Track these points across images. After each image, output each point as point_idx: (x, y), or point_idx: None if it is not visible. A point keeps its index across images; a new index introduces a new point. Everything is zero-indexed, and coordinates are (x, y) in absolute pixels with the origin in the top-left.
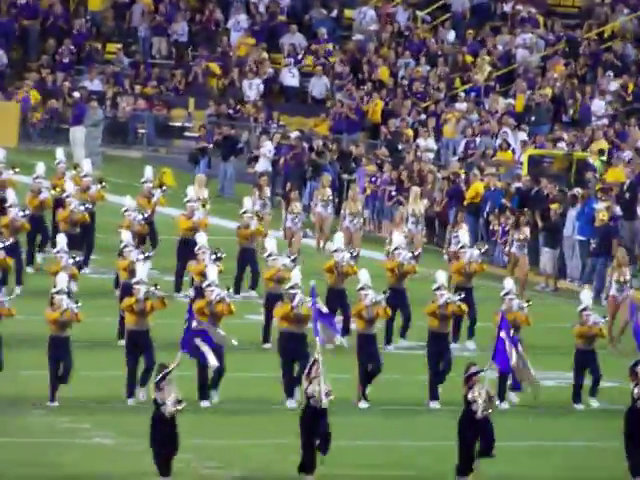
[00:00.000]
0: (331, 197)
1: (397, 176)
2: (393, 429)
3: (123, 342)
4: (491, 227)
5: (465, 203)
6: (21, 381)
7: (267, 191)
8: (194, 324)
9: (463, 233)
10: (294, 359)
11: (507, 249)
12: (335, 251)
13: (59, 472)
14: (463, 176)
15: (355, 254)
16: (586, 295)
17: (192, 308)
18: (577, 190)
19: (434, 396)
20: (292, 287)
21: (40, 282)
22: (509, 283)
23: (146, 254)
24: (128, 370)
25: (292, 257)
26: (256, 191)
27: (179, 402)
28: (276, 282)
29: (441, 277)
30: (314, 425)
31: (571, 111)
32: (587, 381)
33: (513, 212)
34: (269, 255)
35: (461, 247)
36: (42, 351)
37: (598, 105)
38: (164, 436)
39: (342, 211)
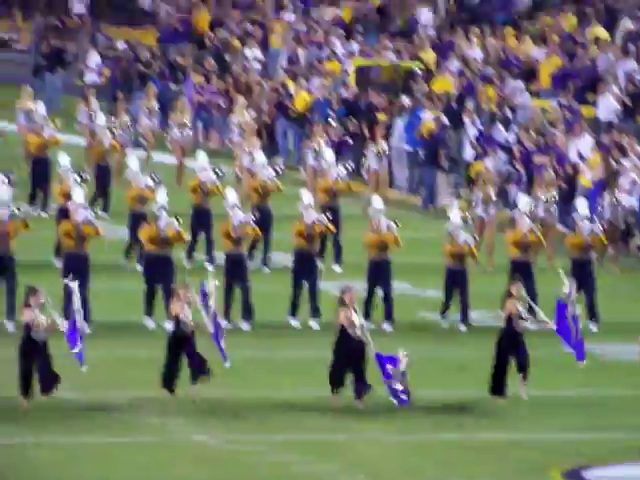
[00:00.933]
0: (157, 108)
1: (224, 87)
2: (265, 345)
3: None
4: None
5: (292, 113)
6: None
7: (94, 103)
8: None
9: (329, 153)
10: (159, 281)
11: (366, 164)
12: (200, 170)
13: None
14: (290, 87)
15: (221, 174)
16: (455, 213)
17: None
18: (404, 99)
19: (293, 313)
20: (158, 208)
21: None
22: (377, 201)
23: (9, 176)
24: None
25: (157, 179)
26: (83, 103)
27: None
28: (139, 202)
29: (307, 196)
30: (180, 348)
31: (399, 21)
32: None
33: (341, 123)
34: (131, 173)
35: (327, 166)
36: None
37: (425, 15)
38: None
39: (170, 122)
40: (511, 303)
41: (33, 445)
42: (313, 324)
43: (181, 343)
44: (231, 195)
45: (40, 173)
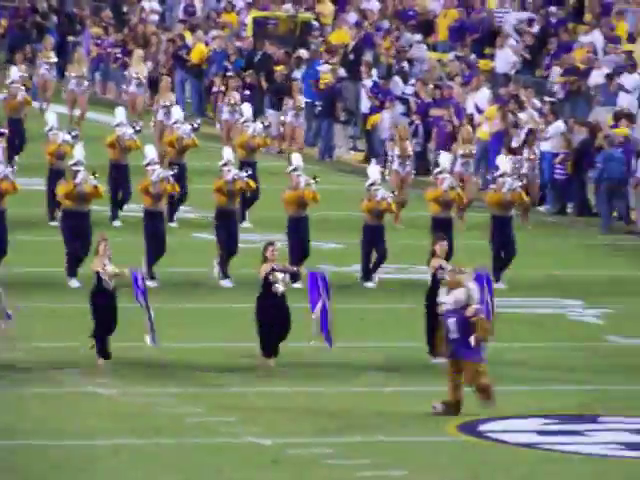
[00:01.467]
0: (55, 60)
1: (122, 38)
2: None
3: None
4: (215, 89)
5: (189, 65)
6: None
7: None
8: None
9: (246, 108)
10: (78, 236)
11: (282, 118)
12: (117, 125)
13: None
14: (188, 38)
15: (138, 128)
16: (373, 170)
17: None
18: (302, 52)
19: (225, 273)
20: (75, 164)
21: None
22: (297, 159)
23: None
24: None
25: (73, 133)
26: None
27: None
28: (57, 158)
29: (227, 153)
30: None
31: None
32: None
33: (238, 75)
34: (50, 129)
35: (244, 121)
36: None
37: None
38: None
39: (66, 74)
40: (436, 261)
41: None
42: (225, 282)
43: (104, 299)
44: (150, 151)
45: None
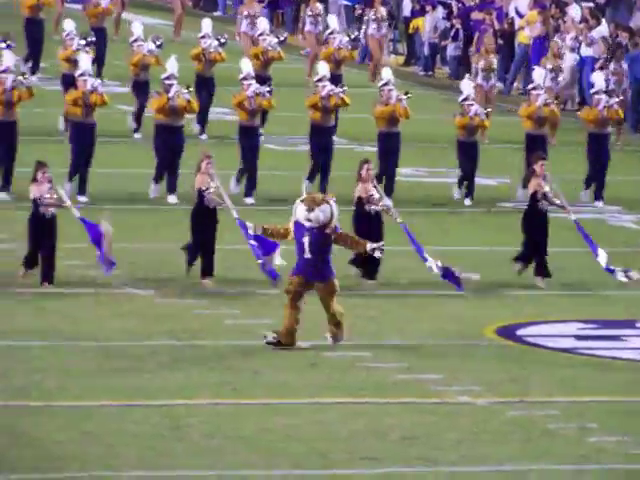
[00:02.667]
0: None
1: None
2: None
3: None
4: None
5: None
6: None
7: None
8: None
9: (332, 19)
10: (170, 151)
11: (363, 29)
12: (202, 37)
13: None
14: None
15: (223, 41)
16: (466, 84)
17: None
18: None
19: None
20: (168, 77)
21: None
22: (387, 72)
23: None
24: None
25: (158, 42)
26: None
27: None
28: (142, 69)
29: (323, 68)
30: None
31: None
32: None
33: None
34: (135, 40)
35: (330, 33)
36: None
37: None
38: (42, 235)
39: None
40: (535, 182)
41: None
42: None
43: (205, 217)
44: (246, 65)
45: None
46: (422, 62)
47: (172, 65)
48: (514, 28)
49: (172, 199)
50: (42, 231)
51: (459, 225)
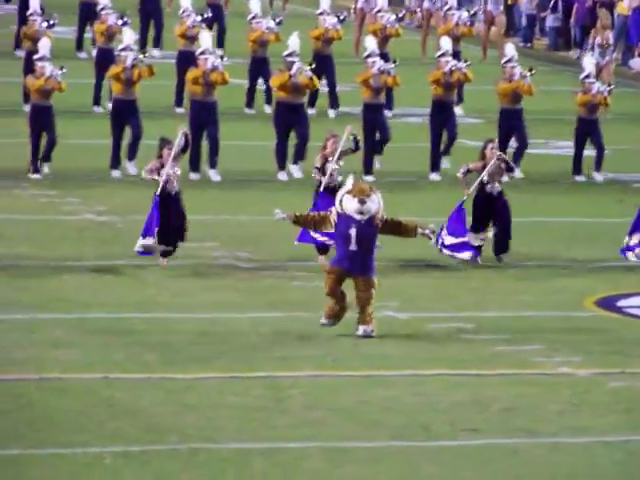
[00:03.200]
0: None
1: None
2: None
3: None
4: None
5: None
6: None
7: None
8: None
9: None
10: (290, 129)
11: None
12: (320, 14)
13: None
14: None
15: (342, 18)
16: (588, 61)
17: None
18: None
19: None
20: (290, 54)
21: None
22: (510, 49)
23: (125, 19)
24: (113, 140)
25: (277, 19)
26: None
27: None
28: (260, 45)
29: (445, 42)
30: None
31: None
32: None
33: None
34: (253, 17)
35: (448, 9)
36: None
37: None
38: (170, 212)
39: None
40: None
41: None
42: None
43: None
44: (370, 42)
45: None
46: (521, 33)
47: (294, 42)
48: None
49: (282, 176)
50: (168, 207)
51: (560, 197)
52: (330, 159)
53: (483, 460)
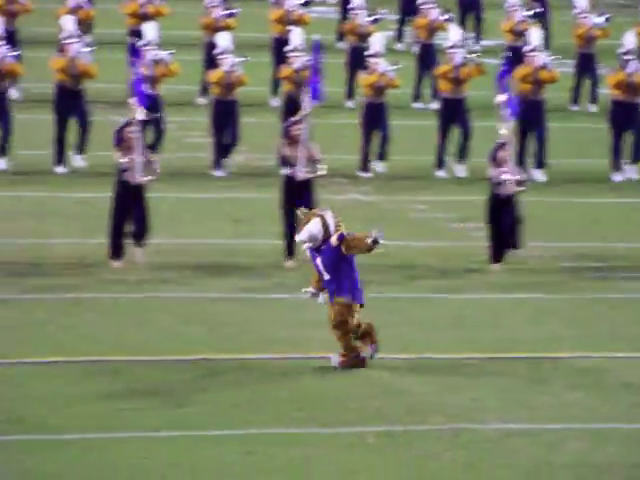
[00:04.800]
0: None
1: None
2: None
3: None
4: None
5: None
6: None
7: None
8: None
9: None
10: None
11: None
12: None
13: None
14: None
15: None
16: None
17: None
18: None
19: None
20: (626, 52)
21: None
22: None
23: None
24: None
25: (606, 16)
26: None
27: None
28: (587, 41)
29: (378, 39)
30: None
31: None
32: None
33: None
34: (580, 12)
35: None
36: None
37: None
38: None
39: None
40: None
41: None
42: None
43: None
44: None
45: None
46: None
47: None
48: None
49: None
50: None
51: None
52: None
53: None
